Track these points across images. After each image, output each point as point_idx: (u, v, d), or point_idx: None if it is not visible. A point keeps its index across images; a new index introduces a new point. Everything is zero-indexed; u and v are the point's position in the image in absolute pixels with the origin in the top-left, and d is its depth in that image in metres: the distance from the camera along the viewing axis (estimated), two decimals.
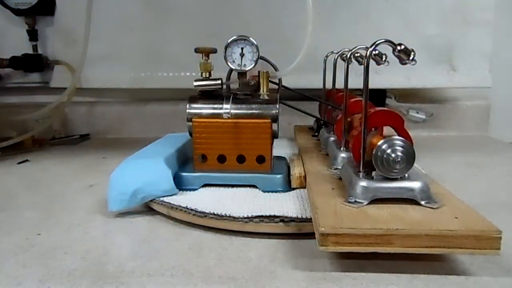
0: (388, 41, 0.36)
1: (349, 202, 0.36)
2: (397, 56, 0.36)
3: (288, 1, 0.83)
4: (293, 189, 0.47)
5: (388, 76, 0.83)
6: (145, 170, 0.45)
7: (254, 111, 0.47)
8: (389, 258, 0.33)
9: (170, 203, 0.43)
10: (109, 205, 0.44)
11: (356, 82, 0.75)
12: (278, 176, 0.47)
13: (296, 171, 0.48)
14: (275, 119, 0.47)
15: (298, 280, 0.32)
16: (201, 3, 0.86)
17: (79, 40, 0.82)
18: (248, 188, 0.47)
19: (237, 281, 0.32)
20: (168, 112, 0.90)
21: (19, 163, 0.70)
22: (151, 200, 0.45)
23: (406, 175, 0.36)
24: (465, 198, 0.50)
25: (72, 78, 0.86)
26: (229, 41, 0.47)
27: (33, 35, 0.89)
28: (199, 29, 0.85)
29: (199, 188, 0.47)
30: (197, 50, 0.49)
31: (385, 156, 0.35)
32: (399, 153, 0.35)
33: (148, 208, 0.46)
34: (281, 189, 0.47)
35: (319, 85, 0.69)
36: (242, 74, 0.49)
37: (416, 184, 0.36)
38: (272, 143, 0.48)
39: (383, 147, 0.36)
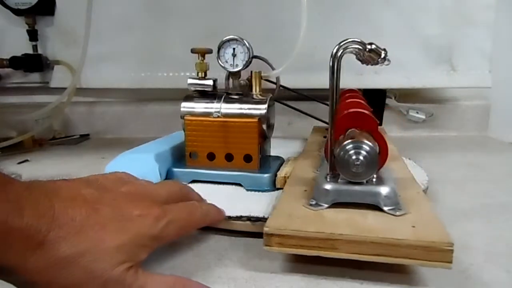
0: (356, 41, 0.35)
1: (310, 205, 0.35)
2: (368, 56, 0.35)
3: (288, 1, 0.83)
4: (278, 189, 0.47)
5: (388, 76, 0.83)
6: (135, 164, 0.47)
7: (242, 111, 0.48)
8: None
9: None
10: None
11: (356, 82, 0.75)
12: (263, 175, 0.47)
13: (283, 171, 0.48)
14: (263, 119, 0.47)
15: (297, 280, 0.32)
16: (201, 3, 0.85)
17: (79, 40, 0.82)
18: (234, 186, 0.48)
19: (237, 281, 0.32)
20: (168, 112, 0.90)
21: (19, 163, 0.70)
22: None
23: (374, 179, 0.35)
24: (465, 198, 0.50)
25: (72, 78, 0.86)
26: (220, 42, 0.48)
27: (33, 35, 0.89)
28: (199, 30, 0.84)
29: (188, 183, 0.49)
30: (193, 51, 0.50)
31: (346, 157, 0.34)
32: (360, 157, 0.34)
33: None
34: (267, 188, 0.47)
35: (320, 85, 0.69)
36: (235, 74, 0.50)
37: (380, 190, 0.34)
38: (261, 143, 0.48)
39: (345, 148, 0.34)
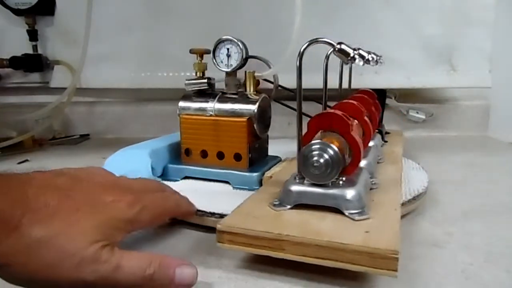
0: (325, 41, 0.35)
1: (274, 205, 0.36)
2: (338, 56, 0.34)
3: (288, 2, 0.83)
4: None
5: (388, 76, 0.83)
6: (130, 159, 0.50)
7: (234, 110, 0.48)
8: None
9: None
10: None
11: (357, 82, 0.75)
12: (252, 174, 0.48)
13: (271, 171, 0.48)
14: (253, 118, 0.48)
15: (298, 280, 0.32)
16: (201, 3, 0.86)
17: (79, 40, 0.82)
18: (224, 184, 0.49)
19: (237, 281, 0.32)
20: (168, 112, 0.90)
21: (19, 163, 0.70)
22: None
23: (341, 182, 0.35)
24: (465, 198, 0.50)
25: (72, 78, 0.86)
26: (215, 43, 0.49)
27: (33, 35, 0.89)
28: (199, 30, 0.84)
29: (180, 180, 0.50)
30: (191, 51, 0.50)
31: (307, 158, 0.34)
32: (320, 159, 0.33)
33: None
34: (256, 187, 0.47)
35: (320, 85, 0.68)
36: (230, 73, 0.50)
37: (342, 193, 0.34)
38: (251, 142, 0.49)
39: (307, 149, 0.34)
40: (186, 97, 0.52)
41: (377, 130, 0.60)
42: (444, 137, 0.89)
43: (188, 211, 0.39)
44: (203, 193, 0.45)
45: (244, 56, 0.48)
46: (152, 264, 0.28)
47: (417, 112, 0.90)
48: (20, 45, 0.89)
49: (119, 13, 0.87)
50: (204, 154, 0.50)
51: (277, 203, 0.36)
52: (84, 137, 0.92)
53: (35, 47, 0.89)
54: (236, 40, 0.48)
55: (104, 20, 0.85)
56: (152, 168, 0.49)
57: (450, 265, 0.34)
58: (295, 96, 0.62)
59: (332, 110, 0.37)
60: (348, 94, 0.57)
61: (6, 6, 0.86)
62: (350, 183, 0.35)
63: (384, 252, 0.27)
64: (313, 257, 0.29)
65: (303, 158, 0.34)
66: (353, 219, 0.32)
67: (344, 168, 0.35)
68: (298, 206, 0.35)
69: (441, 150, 0.78)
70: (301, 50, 0.35)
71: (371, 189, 0.39)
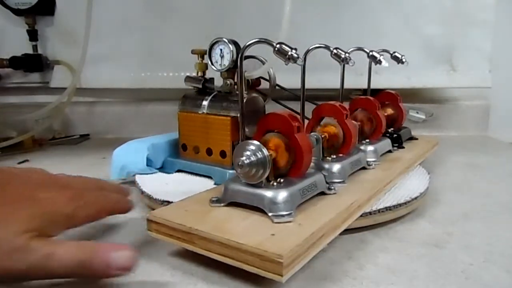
0: (266, 41, 0.35)
1: (212, 201, 0.36)
2: (278, 57, 0.34)
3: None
4: None
5: (388, 76, 0.83)
6: (130, 151, 0.53)
7: (221, 108, 0.50)
8: None
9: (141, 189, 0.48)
10: (110, 175, 0.53)
11: (357, 82, 0.75)
12: (232, 172, 0.48)
13: None
14: (237, 117, 0.48)
15: (297, 279, 0.32)
16: (201, 3, 0.86)
17: (79, 40, 0.82)
18: (209, 179, 0.50)
19: (236, 281, 0.32)
20: (168, 112, 0.90)
21: (19, 163, 0.70)
22: None
23: (275, 184, 0.34)
24: (465, 198, 0.50)
25: (72, 78, 0.86)
26: (210, 43, 0.49)
27: (33, 35, 0.89)
28: (199, 30, 0.85)
29: (174, 172, 0.53)
30: (193, 52, 0.52)
31: (235, 157, 0.34)
32: (246, 160, 0.33)
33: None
34: None
35: (320, 86, 0.68)
36: (224, 73, 0.51)
37: (267, 194, 0.33)
38: (236, 140, 0.49)
39: (237, 148, 0.34)
40: (187, 95, 0.53)
41: (395, 135, 0.59)
42: (444, 137, 0.89)
43: (125, 208, 0.39)
44: (181, 187, 0.47)
45: (234, 57, 0.48)
46: (86, 250, 0.28)
47: (417, 112, 0.90)
48: (20, 45, 0.89)
49: (119, 13, 0.87)
50: (196, 149, 0.52)
51: (215, 199, 0.36)
52: (84, 137, 0.92)
53: (35, 47, 0.89)
54: (227, 41, 0.48)
55: (104, 20, 0.85)
56: (150, 161, 0.53)
57: (450, 265, 0.34)
58: (292, 96, 0.62)
59: (278, 111, 0.37)
60: (347, 95, 0.57)
61: (6, 6, 0.86)
62: (285, 186, 0.34)
63: (270, 256, 0.27)
64: (217, 253, 0.30)
65: (233, 157, 0.35)
66: (272, 221, 0.33)
67: (289, 169, 0.36)
68: (234, 204, 0.35)
69: (441, 150, 0.78)
70: (244, 47, 0.35)
71: (324, 193, 0.39)
